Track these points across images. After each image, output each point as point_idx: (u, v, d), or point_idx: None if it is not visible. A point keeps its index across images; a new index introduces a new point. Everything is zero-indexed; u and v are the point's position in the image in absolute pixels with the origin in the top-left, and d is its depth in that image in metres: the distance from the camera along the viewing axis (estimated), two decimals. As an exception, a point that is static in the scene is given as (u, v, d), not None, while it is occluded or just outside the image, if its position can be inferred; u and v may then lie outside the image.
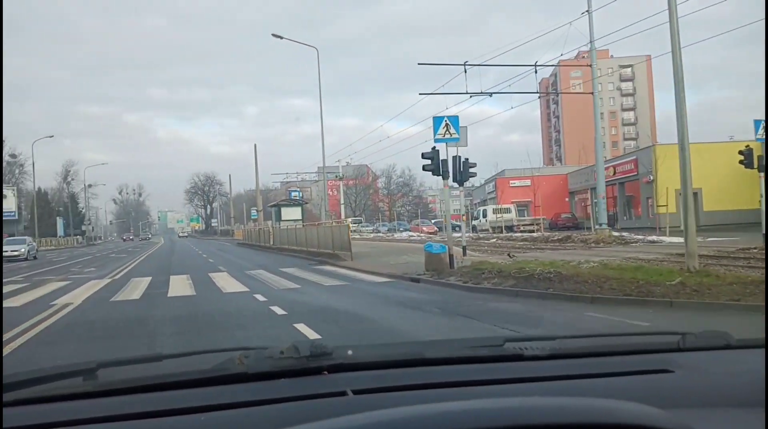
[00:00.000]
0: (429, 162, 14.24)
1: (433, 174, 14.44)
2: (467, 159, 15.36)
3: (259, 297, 10.63)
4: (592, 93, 24.19)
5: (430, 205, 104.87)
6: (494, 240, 29.41)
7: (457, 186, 16.46)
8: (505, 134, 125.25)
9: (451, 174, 14.43)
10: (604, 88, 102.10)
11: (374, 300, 10.01)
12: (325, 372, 1.38)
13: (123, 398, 1.29)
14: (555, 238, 25.63)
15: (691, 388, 1.39)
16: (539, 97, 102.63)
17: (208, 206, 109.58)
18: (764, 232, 8.33)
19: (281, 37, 31.37)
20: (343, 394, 1.29)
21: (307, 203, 38.32)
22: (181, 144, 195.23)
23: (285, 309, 8.81)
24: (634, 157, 39.78)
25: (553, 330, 6.29)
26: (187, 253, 32.46)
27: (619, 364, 1.54)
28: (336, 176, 46.91)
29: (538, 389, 1.35)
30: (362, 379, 1.37)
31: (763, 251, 11.92)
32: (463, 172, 15.12)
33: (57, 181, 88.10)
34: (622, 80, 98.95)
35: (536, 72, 22.77)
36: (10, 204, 57.80)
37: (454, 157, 14.72)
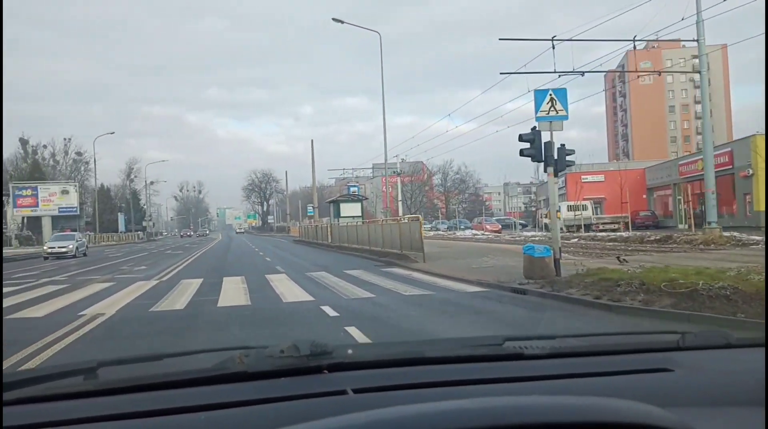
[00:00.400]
0: (528, 145, 11.74)
1: (533, 160, 11.94)
2: (563, 145, 12.77)
3: (329, 310, 8.47)
4: (699, 72, 20.96)
5: (487, 203, 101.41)
6: (575, 240, 26.43)
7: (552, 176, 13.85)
8: (563, 131, 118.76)
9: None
10: (676, 79, 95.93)
11: (486, 323, 7.57)
12: (326, 371, 1.36)
13: (123, 397, 1.27)
14: (651, 239, 22.51)
15: (691, 387, 1.38)
16: (605, 89, 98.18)
17: (265, 203, 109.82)
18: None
19: (342, 22, 29.39)
20: (343, 393, 1.27)
21: (366, 199, 36.13)
22: (239, 143, 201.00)
23: (366, 332, 6.59)
24: (729, 149, 35.68)
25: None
26: (243, 251, 31.00)
27: (619, 363, 1.52)
28: (393, 172, 44.75)
29: (539, 388, 1.33)
30: (362, 378, 1.36)
31: None
32: (558, 159, 12.53)
33: (121, 178, 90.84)
34: (695, 71, 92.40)
35: (635, 48, 19.75)
36: (71, 200, 58.48)
37: (548, 143, 12.17)
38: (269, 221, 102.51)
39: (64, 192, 58.44)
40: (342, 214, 30.52)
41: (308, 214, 57.16)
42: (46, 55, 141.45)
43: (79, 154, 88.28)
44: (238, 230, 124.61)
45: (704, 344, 1.63)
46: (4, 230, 53.03)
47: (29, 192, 57.90)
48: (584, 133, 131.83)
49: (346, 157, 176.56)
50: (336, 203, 32.59)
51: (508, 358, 1.54)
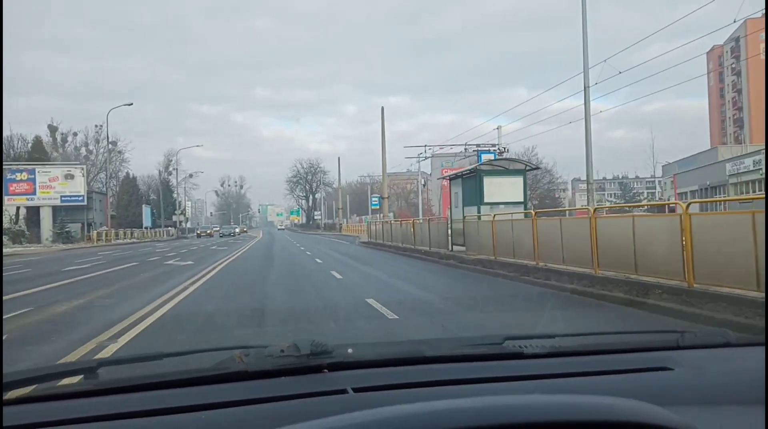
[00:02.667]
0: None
1: None
2: None
3: None
4: None
5: (559, 200, 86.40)
6: None
7: None
8: (609, 130, 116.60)
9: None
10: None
11: None
12: (326, 370, 1.36)
13: (124, 397, 1.26)
14: None
15: (691, 385, 1.37)
16: (708, 72, 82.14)
17: (311, 197, 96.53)
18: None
19: None
20: (343, 392, 1.27)
21: (538, 168, 21.21)
22: (283, 142, 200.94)
23: None
24: None
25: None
26: (300, 265, 16.92)
27: (619, 361, 1.52)
28: (498, 152, 30.34)
29: (539, 387, 1.33)
30: (362, 377, 1.35)
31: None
32: None
33: (158, 171, 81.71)
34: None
35: None
36: (77, 186, 45.97)
37: None
38: (315, 217, 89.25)
39: (68, 176, 45.98)
40: (487, 200, 15.68)
41: (372, 206, 43.44)
42: (97, 54, 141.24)
43: (113, 143, 79.37)
44: (279, 227, 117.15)
45: (704, 343, 1.61)
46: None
47: (24, 175, 45.79)
48: (633, 132, 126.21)
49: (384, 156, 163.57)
50: (476, 178, 16.36)
51: (508, 357, 1.52)
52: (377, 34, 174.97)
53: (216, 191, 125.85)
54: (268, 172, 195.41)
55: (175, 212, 67.86)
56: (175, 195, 76.88)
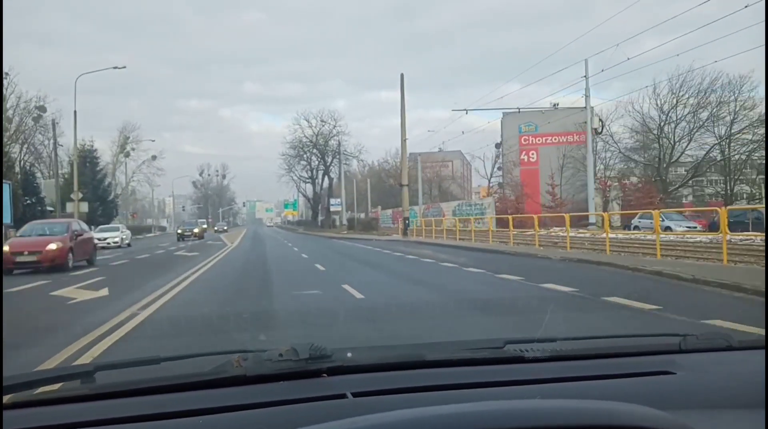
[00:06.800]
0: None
1: None
2: None
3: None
4: None
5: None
6: None
7: None
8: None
9: None
10: None
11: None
12: (325, 374, 1.35)
13: (121, 401, 1.26)
14: None
15: (693, 389, 1.37)
16: None
17: (321, 174, 61.65)
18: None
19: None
20: (342, 396, 1.27)
21: None
22: (272, 137, 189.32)
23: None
24: None
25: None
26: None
27: (620, 365, 1.51)
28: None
29: (540, 391, 1.32)
30: (362, 382, 1.35)
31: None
32: None
33: (113, 151, 63.07)
34: None
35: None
36: None
37: None
38: (332, 208, 54.96)
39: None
40: None
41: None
42: (82, 49, 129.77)
43: (41, 108, 50.96)
44: (268, 224, 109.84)
45: (706, 347, 1.60)
46: None
47: None
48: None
49: (379, 151, 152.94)
50: None
51: (508, 361, 1.51)
52: (369, 29, 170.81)
53: (194, 182, 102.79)
54: (256, 168, 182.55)
55: (71, 196, 34.06)
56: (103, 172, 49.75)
